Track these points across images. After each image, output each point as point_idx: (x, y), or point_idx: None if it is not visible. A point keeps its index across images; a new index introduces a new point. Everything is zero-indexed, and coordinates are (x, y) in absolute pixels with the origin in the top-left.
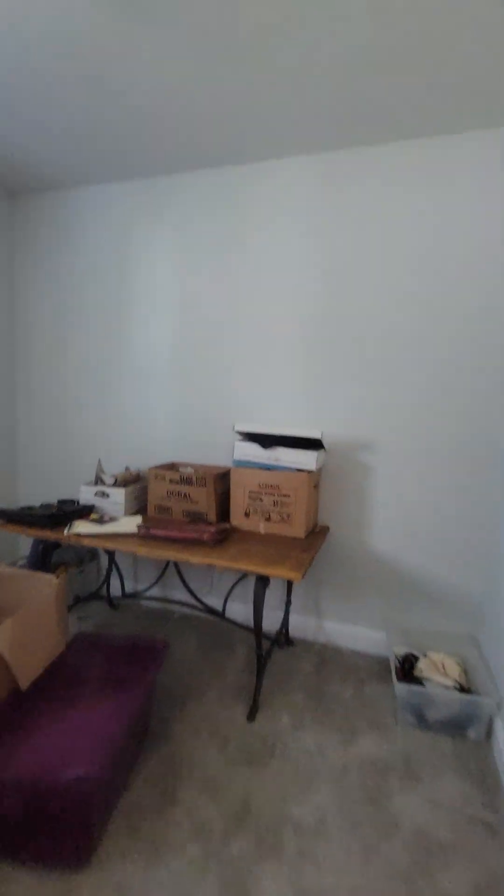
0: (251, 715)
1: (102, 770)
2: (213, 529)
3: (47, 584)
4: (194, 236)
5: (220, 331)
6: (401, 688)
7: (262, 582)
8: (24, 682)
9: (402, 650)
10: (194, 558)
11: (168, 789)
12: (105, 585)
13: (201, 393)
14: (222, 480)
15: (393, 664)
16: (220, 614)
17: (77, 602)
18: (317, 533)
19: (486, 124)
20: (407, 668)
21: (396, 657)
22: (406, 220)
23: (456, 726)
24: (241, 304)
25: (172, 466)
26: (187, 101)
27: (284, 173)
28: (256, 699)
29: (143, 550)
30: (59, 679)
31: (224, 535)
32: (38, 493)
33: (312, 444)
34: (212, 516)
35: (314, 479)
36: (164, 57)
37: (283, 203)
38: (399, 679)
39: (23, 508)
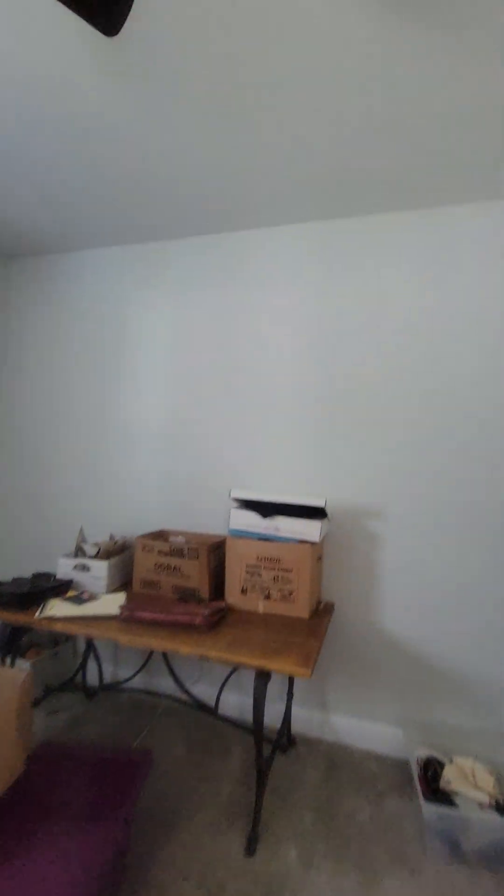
0: (250, 847)
1: None
2: (206, 612)
3: (9, 683)
4: (190, 300)
5: (215, 393)
6: (429, 810)
7: (263, 677)
8: None
9: (423, 753)
10: (184, 648)
11: None
12: (81, 671)
13: (194, 456)
14: (217, 552)
15: (415, 773)
16: (213, 711)
17: (48, 694)
18: (321, 611)
19: (485, 196)
20: (430, 777)
21: (418, 762)
22: (408, 288)
23: (498, 859)
24: (238, 367)
25: (162, 534)
26: (185, 168)
27: (282, 240)
28: (256, 826)
29: (124, 639)
30: (15, 812)
31: (219, 616)
32: (14, 564)
33: (315, 512)
34: (205, 593)
35: (318, 552)
36: (163, 125)
37: (280, 268)
38: (424, 794)
39: None
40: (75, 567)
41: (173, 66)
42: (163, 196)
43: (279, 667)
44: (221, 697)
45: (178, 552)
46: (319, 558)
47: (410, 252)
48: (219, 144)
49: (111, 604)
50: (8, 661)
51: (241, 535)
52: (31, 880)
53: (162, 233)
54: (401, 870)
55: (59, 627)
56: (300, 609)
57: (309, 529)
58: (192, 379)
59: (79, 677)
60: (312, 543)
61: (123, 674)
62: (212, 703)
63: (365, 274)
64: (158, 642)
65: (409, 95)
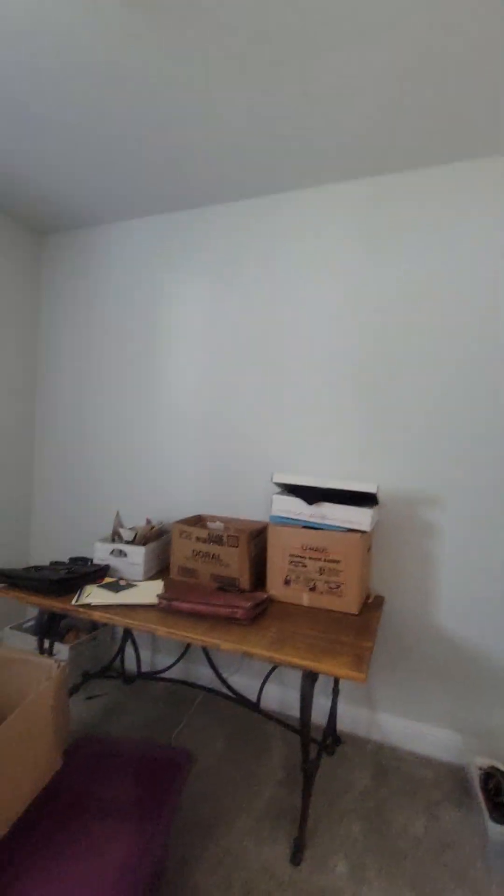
0: (296, 856)
1: None
2: (248, 604)
3: (45, 675)
4: (227, 271)
5: (255, 370)
6: (496, 831)
7: (311, 678)
8: (2, 827)
9: (483, 762)
10: (226, 644)
11: None
12: (119, 657)
13: (233, 438)
14: (257, 539)
15: (476, 785)
16: (252, 704)
17: (85, 680)
18: (371, 605)
19: None
20: (492, 790)
21: (478, 772)
22: (470, 248)
23: None
24: (279, 344)
25: (199, 520)
26: (228, 128)
27: (326, 200)
28: (303, 834)
29: (163, 631)
30: (51, 810)
31: (261, 608)
32: (52, 548)
33: (366, 499)
34: (245, 582)
35: (368, 542)
36: (204, 81)
37: (324, 233)
38: (488, 809)
39: (28, 569)
40: (112, 552)
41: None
42: (198, 158)
43: (330, 669)
44: (261, 689)
45: (216, 539)
46: (369, 549)
47: (469, 206)
48: (265, 94)
49: (149, 592)
50: (46, 644)
51: (283, 522)
52: (69, 881)
53: (200, 198)
54: (463, 893)
55: (96, 616)
56: (349, 603)
57: (359, 517)
58: (229, 356)
59: (117, 662)
60: (362, 533)
61: (161, 660)
62: (250, 694)
63: (419, 237)
64: (198, 636)
65: (468, 29)
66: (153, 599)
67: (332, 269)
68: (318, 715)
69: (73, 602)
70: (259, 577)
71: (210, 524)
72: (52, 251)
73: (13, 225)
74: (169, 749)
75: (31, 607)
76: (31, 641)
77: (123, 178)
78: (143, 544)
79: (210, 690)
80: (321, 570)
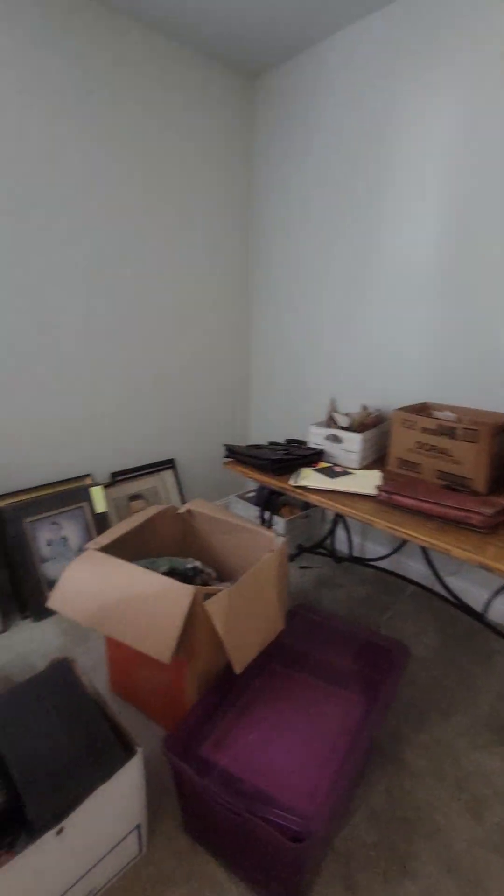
0: None
1: (325, 825)
2: (489, 510)
3: (269, 545)
4: (483, 63)
5: None
6: None
7: None
8: (239, 666)
9: None
10: (458, 551)
11: (397, 848)
12: (330, 538)
13: (474, 308)
14: (501, 436)
15: None
16: (476, 614)
17: (300, 552)
18: None
19: None
20: None
21: None
22: None
23: None
24: None
25: (424, 408)
26: None
27: None
28: None
29: (382, 525)
30: (277, 668)
31: (503, 517)
32: (269, 429)
33: None
34: (480, 484)
35: None
36: None
37: None
38: None
39: (250, 447)
40: (327, 437)
41: None
42: None
43: None
44: (489, 602)
45: (447, 431)
46: None
47: None
48: None
49: (366, 481)
50: (266, 516)
51: None
52: (293, 742)
53: None
54: None
55: (312, 499)
56: None
57: None
58: (477, 197)
59: (327, 542)
60: None
61: (370, 547)
62: (470, 600)
63: None
64: (423, 538)
65: None
66: (371, 490)
67: None
68: None
69: (291, 483)
70: (497, 479)
71: (438, 413)
72: (262, 94)
73: (222, 70)
74: (385, 637)
75: (252, 481)
76: (252, 510)
77: None
78: (360, 431)
79: (422, 587)
80: None
